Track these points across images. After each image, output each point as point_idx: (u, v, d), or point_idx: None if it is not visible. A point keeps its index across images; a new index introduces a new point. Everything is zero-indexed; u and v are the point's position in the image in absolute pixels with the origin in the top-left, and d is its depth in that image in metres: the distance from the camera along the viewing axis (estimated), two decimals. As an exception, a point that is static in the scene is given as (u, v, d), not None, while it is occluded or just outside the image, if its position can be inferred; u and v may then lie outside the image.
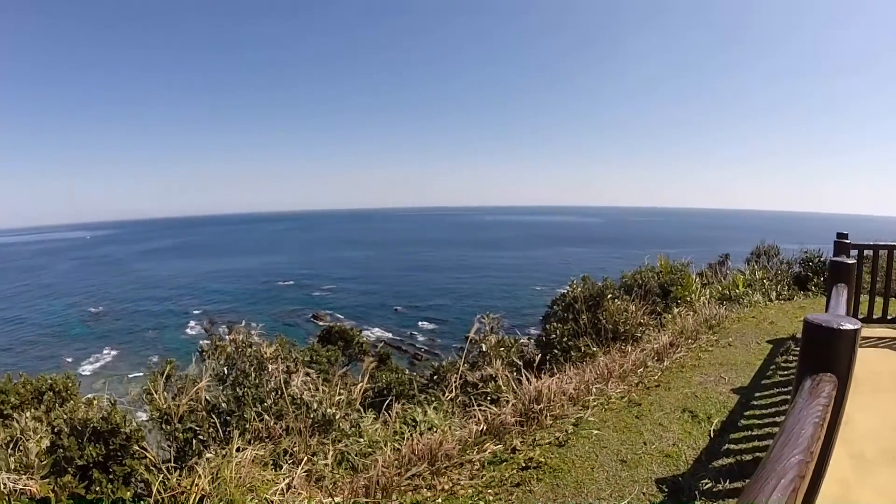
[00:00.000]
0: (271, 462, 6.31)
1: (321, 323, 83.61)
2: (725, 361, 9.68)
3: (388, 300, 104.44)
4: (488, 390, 9.11)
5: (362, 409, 8.36)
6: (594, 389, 8.31)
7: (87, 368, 68.66)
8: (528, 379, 8.32)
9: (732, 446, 6.20)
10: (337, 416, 7.39)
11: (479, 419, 7.47)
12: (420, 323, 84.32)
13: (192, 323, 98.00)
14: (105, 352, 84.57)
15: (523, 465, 6.17)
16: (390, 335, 72.77)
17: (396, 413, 8.21)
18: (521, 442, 6.74)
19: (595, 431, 6.87)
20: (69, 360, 78.28)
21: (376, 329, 73.17)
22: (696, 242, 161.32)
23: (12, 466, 4.96)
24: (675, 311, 13.42)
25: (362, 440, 7.27)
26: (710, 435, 6.61)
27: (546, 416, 7.41)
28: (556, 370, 9.44)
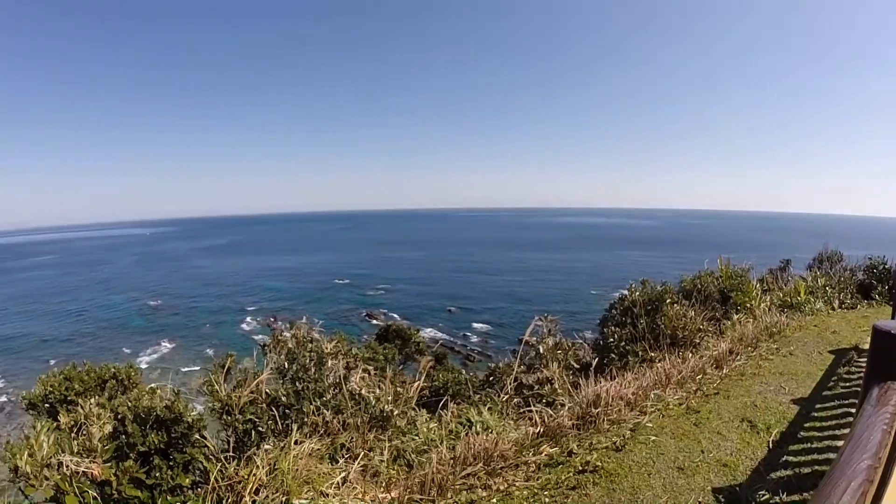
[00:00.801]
0: (328, 456, 6.34)
1: (375, 322, 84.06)
2: (786, 371, 9.47)
3: (442, 301, 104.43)
4: (544, 393, 9.05)
5: (418, 408, 8.36)
6: (652, 395, 8.20)
7: (144, 360, 70.08)
8: (584, 383, 8.24)
9: (791, 458, 6.05)
10: (395, 414, 7.40)
11: (535, 421, 7.42)
12: (473, 324, 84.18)
13: (247, 319, 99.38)
14: (162, 344, 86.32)
15: (580, 468, 6.11)
16: (444, 336, 72.83)
17: (451, 413, 8.20)
18: (577, 445, 6.68)
19: (653, 437, 6.78)
20: (127, 351, 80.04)
21: (430, 329, 73.30)
22: (755, 247, 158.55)
23: (76, 450, 5.07)
24: (735, 317, 13.18)
25: (418, 438, 7.27)
26: (768, 446, 6.46)
27: (603, 420, 7.34)
28: (613, 375, 9.32)
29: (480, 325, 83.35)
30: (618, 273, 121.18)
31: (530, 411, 8.01)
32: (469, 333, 78.72)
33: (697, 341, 11.57)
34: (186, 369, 62.61)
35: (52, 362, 77.42)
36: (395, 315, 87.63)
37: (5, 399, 65.30)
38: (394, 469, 6.49)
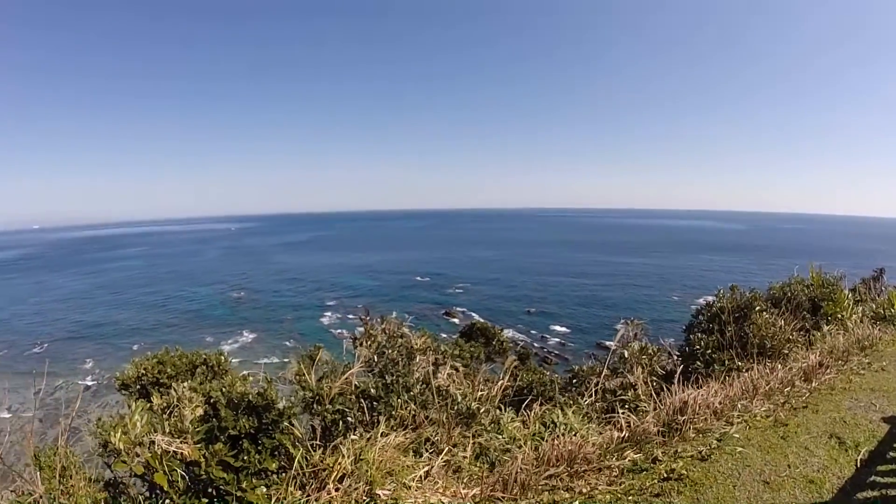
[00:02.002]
0: (412, 449, 6.38)
1: (453, 320, 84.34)
2: (878, 387, 9.12)
3: (520, 302, 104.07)
4: (627, 398, 8.93)
5: (503, 407, 8.35)
6: (739, 405, 8.01)
7: (225, 349, 71.95)
8: (668, 389, 8.11)
9: (879, 479, 5.85)
10: (480, 411, 7.40)
11: (620, 426, 7.33)
12: (551, 326, 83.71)
13: (327, 313, 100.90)
14: (244, 335, 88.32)
15: (664, 475, 6.02)
16: (522, 336, 72.67)
17: (535, 413, 8.16)
18: (662, 452, 6.58)
19: (739, 449, 6.62)
20: (209, 339, 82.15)
21: (508, 330, 73.46)
22: (847, 254, 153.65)
23: (167, 430, 5.21)
24: (825, 328, 12.77)
25: (501, 436, 7.26)
26: (856, 464, 6.26)
27: (689, 428, 7.20)
28: (699, 383, 9.12)
29: (558, 327, 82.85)
30: (701, 279, 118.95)
31: (613, 415, 7.93)
32: (547, 335, 78.33)
33: (786, 352, 11.24)
34: (266, 360, 63.92)
35: (135, 347, 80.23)
36: (474, 314, 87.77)
37: (91, 380, 67.89)
38: (476, 466, 6.50)
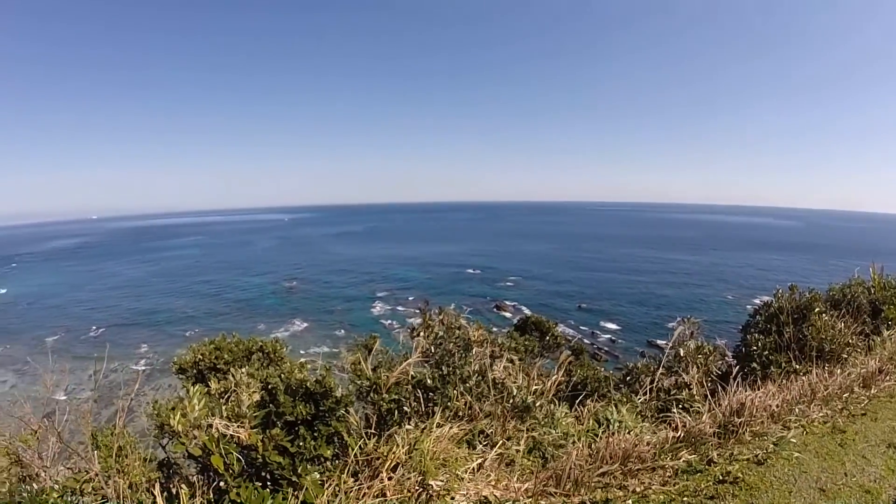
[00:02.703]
0: (466, 441, 6.38)
1: (504, 314, 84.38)
2: (939, 397, 8.90)
3: (572, 297, 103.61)
4: (681, 397, 8.82)
5: (556, 401, 8.31)
6: (796, 410, 7.86)
7: (276, 337, 73.11)
8: (724, 390, 7.99)
9: (937, 493, 5.69)
10: (537, 405, 7.38)
11: (676, 425, 7.24)
12: (602, 322, 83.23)
13: (378, 304, 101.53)
14: (295, 323, 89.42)
15: (719, 478, 5.94)
16: (572, 332, 72.38)
17: (588, 409, 8.11)
18: (717, 454, 6.49)
19: (796, 454, 6.50)
20: (261, 327, 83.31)
21: (559, 325, 73.32)
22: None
23: (224, 414, 5.27)
24: (886, 333, 12.44)
25: (555, 431, 7.22)
26: (914, 476, 6.09)
27: (746, 431, 7.09)
28: (757, 385, 8.95)
29: (609, 324, 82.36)
30: (755, 278, 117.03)
31: (667, 415, 7.84)
32: (597, 332, 77.94)
33: (845, 356, 10.98)
34: (315, 349, 64.54)
35: (188, 334, 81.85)
36: (525, 308, 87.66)
37: (145, 364, 69.48)
38: (529, 460, 6.48)
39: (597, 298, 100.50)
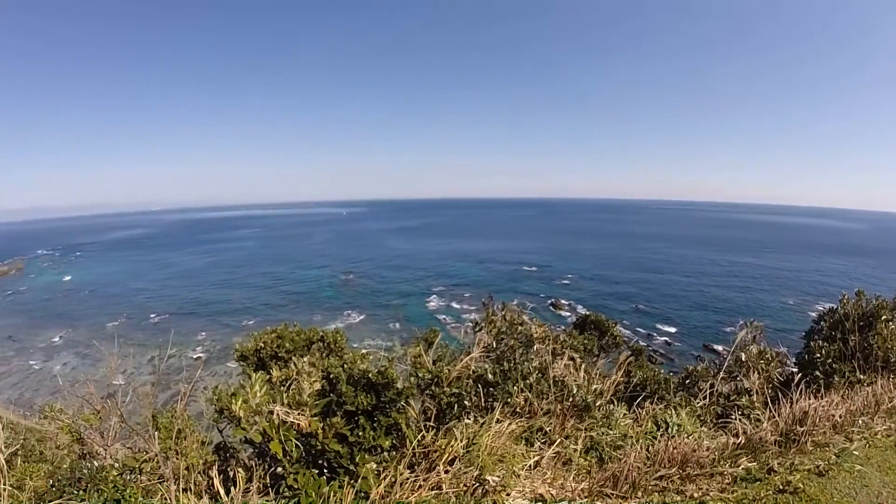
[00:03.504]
0: (524, 438, 6.36)
1: (560, 312, 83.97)
2: None
3: (628, 297, 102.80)
4: (740, 403, 8.67)
5: (614, 402, 8.24)
6: (860, 421, 7.67)
7: (331, 328, 73.95)
8: (784, 398, 7.82)
9: None
10: (597, 404, 7.33)
11: (736, 431, 7.12)
12: (658, 325, 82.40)
13: (433, 298, 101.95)
14: (350, 315, 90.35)
15: (779, 487, 5.84)
16: (628, 333, 71.90)
17: (647, 411, 8.03)
18: (778, 463, 6.37)
19: (858, 467, 6.35)
20: (318, 318, 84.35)
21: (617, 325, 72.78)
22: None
23: (285, 402, 5.34)
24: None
25: (613, 432, 7.16)
26: (978, 496, 5.92)
27: (808, 440, 6.94)
28: (819, 393, 8.73)
29: (665, 326, 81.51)
30: (819, 283, 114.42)
31: (726, 420, 7.73)
32: (653, 334, 77.21)
33: (911, 367, 10.67)
34: (370, 342, 65.08)
35: (244, 324, 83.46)
36: (581, 307, 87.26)
37: (202, 351, 70.97)
38: (585, 460, 6.43)
39: (654, 300, 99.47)
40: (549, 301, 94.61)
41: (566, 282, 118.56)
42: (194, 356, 69.57)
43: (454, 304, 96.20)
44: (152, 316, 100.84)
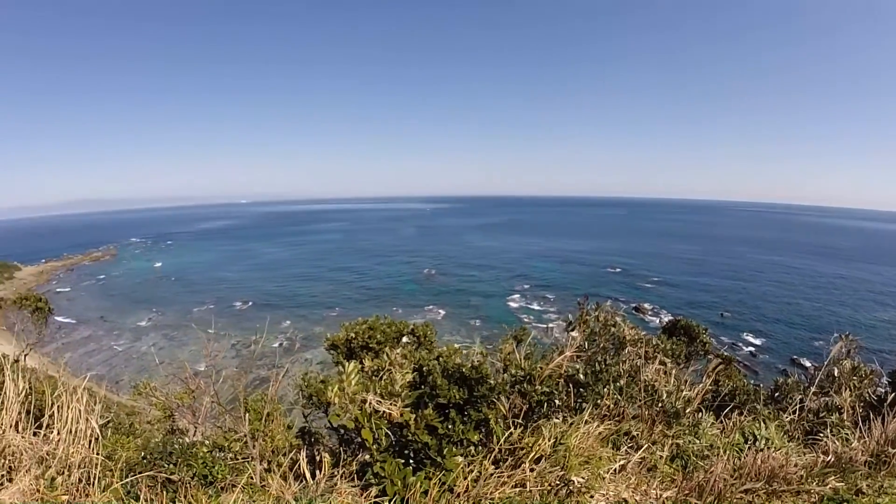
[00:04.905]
0: (610, 441, 6.36)
1: (642, 316, 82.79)
2: None
3: (714, 303, 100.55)
4: (830, 420, 8.46)
5: (702, 410, 8.15)
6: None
7: (420, 322, 74.73)
8: (877, 417, 7.61)
9: None
10: (687, 411, 7.28)
11: (826, 450, 6.96)
12: (744, 334, 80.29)
13: (515, 297, 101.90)
14: (432, 310, 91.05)
15: (868, 510, 5.69)
16: (712, 341, 70.44)
17: (734, 422, 7.92)
18: (867, 485, 6.20)
19: (952, 495, 6.13)
20: (399, 311, 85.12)
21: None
22: None
23: (378, 391, 5.46)
24: None
25: (699, 441, 7.09)
26: None
27: (900, 464, 6.74)
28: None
29: (751, 337, 79.41)
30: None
31: (814, 437, 7.57)
32: (738, 344, 75.28)
33: None
34: (448, 338, 65.36)
35: (328, 314, 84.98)
36: (665, 312, 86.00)
37: (285, 339, 72.61)
38: (670, 467, 6.39)
39: (740, 308, 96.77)
40: (633, 304, 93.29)
41: (650, 285, 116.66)
42: (276, 344, 71.06)
43: (535, 306, 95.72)
44: (237, 303, 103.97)
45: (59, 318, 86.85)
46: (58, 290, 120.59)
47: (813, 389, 9.59)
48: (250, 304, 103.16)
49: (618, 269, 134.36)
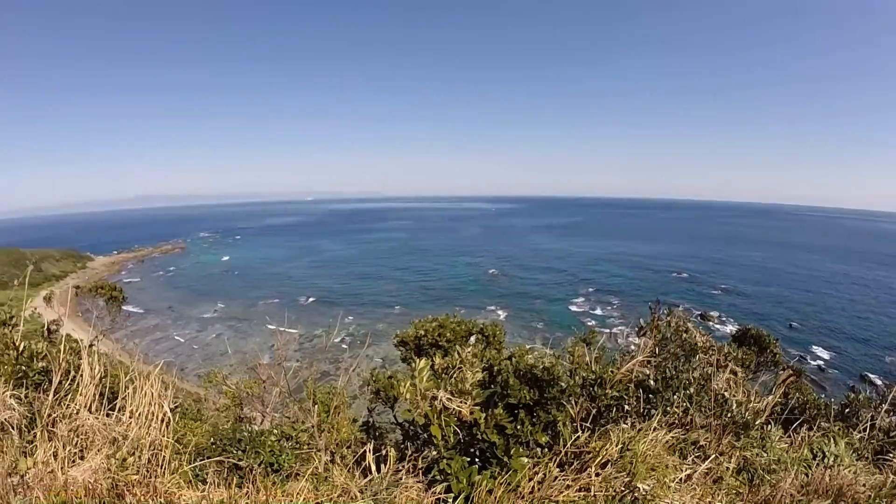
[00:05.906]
0: (678, 449, 6.34)
1: (709, 323, 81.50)
2: None
3: (783, 312, 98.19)
4: (896, 440, 8.30)
5: (771, 423, 8.06)
6: None
7: (495, 320, 75.18)
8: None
9: None
10: (756, 423, 7.21)
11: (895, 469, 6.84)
12: (813, 347, 78.33)
13: (578, 300, 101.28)
14: (494, 311, 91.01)
15: (937, 533, 5.59)
16: (782, 352, 68.90)
17: (803, 437, 7.82)
18: (936, 510, 6.07)
19: None
20: (462, 311, 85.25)
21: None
22: None
23: (448, 389, 5.54)
24: None
25: (767, 454, 7.01)
26: None
27: (971, 487, 6.58)
28: None
29: (820, 350, 77.52)
30: None
31: (884, 458, 7.44)
32: (806, 356, 73.43)
33: None
34: (509, 339, 65.33)
35: (388, 312, 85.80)
36: (731, 320, 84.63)
37: (346, 334, 73.65)
38: (736, 479, 6.34)
39: (809, 319, 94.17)
40: (699, 312, 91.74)
41: (717, 291, 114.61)
42: (337, 339, 72.02)
43: (598, 310, 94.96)
44: (300, 299, 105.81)
45: (128, 308, 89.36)
46: (127, 280, 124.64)
47: (885, 407, 9.40)
48: (313, 299, 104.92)
49: (684, 275, 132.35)
